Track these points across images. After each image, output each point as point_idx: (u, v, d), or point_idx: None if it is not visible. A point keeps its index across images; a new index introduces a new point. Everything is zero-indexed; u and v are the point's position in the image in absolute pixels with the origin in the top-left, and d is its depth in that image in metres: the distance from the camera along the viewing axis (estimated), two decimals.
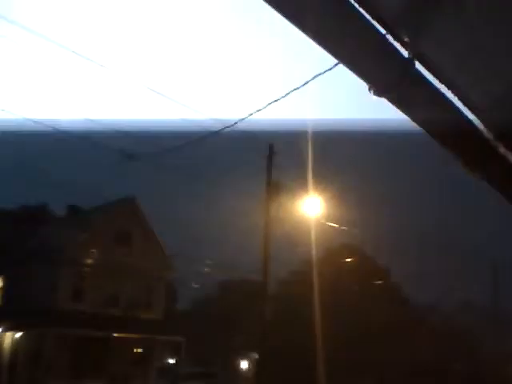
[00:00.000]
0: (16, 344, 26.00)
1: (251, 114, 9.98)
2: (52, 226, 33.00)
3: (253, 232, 20.94)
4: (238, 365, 39.25)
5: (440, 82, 2.11)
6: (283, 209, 17.61)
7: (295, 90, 8.24)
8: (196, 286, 34.29)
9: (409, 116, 2.15)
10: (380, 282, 33.10)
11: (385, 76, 2.02)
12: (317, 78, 7.24)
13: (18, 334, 25.95)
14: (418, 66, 2.01)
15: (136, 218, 30.34)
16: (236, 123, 10.95)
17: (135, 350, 28.47)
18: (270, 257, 17.78)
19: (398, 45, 1.99)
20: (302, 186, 16.97)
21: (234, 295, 41.98)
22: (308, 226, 17.86)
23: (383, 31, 1.96)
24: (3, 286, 30.04)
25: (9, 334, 26.24)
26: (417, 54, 1.97)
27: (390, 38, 1.96)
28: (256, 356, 21.87)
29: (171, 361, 34.11)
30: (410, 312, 35.30)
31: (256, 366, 22.44)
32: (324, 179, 17.95)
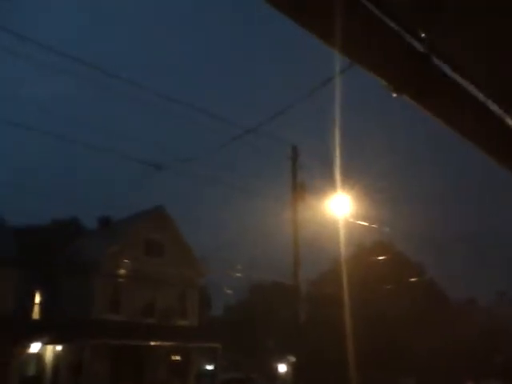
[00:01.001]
0: (57, 357, 26.55)
1: (272, 117, 10.03)
2: (85, 238, 33.67)
3: (282, 234, 20.92)
4: (276, 368, 39.20)
5: (459, 74, 2.10)
6: (311, 209, 17.57)
7: (315, 90, 8.25)
8: (229, 291, 34.41)
9: (429, 112, 2.14)
10: (415, 278, 32.63)
11: (402, 73, 2.03)
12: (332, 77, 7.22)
13: (59, 347, 26.48)
14: (435, 60, 2.02)
15: (166, 227, 30.68)
16: (258, 127, 11.01)
17: (173, 358, 28.72)
18: (300, 258, 17.75)
19: (413, 40, 2.01)
20: (329, 185, 16.90)
21: (266, 299, 42.02)
22: (337, 226, 17.75)
23: (397, 28, 1.97)
24: (41, 300, 30.72)
25: (50, 348, 26.79)
26: (433, 49, 1.97)
27: (404, 34, 1.98)
28: (293, 359, 21.82)
29: (209, 367, 34.33)
30: (448, 307, 34.70)
31: (293, 368, 22.39)
32: (351, 178, 17.81)
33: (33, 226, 35.09)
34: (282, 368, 38.77)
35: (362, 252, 34.60)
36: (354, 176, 17.57)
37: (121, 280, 27.97)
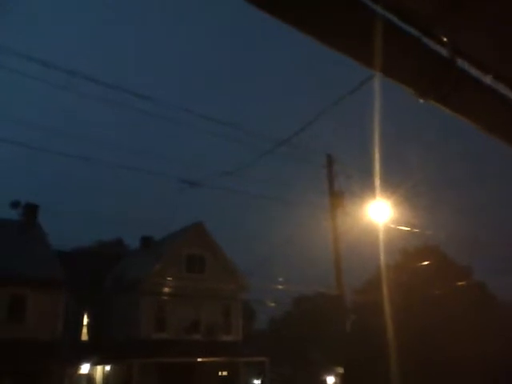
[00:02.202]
0: (107, 377, 27.00)
1: (303, 128, 10.02)
2: (129, 259, 34.31)
3: (323, 244, 20.74)
4: (324, 380, 38.61)
5: (486, 74, 2.05)
6: (350, 217, 17.37)
7: (342, 98, 8.20)
8: (272, 304, 34.25)
9: (458, 114, 2.10)
10: (463, 282, 31.69)
11: (427, 79, 2.00)
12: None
13: (108, 367, 26.93)
14: (459, 62, 1.98)
15: (206, 242, 30.90)
16: (290, 138, 11.02)
17: (220, 373, 28.71)
18: (342, 267, 17.53)
19: (436, 46, 1.98)
20: (367, 192, 16.68)
21: (310, 310, 41.63)
22: (378, 232, 17.46)
23: (419, 35, 1.95)
24: (89, 321, 31.39)
25: (99, 368, 27.28)
26: (457, 51, 1.94)
27: (426, 40, 1.95)
28: (341, 370, 21.45)
29: (257, 381, 34.18)
30: (498, 310, 33.48)
31: (342, 380, 22.00)
32: (391, 183, 17.53)
33: (79, 249, 36.12)
34: (330, 380, 38.16)
35: (407, 258, 33.90)
36: (394, 182, 17.31)
37: (165, 298, 28.27)
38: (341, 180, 17.39)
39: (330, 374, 37.89)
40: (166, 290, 28.38)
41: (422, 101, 2.12)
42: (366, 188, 16.55)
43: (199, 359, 26.64)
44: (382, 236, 16.49)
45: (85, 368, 25.71)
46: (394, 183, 17.42)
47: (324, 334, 36.20)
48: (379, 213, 16.67)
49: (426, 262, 30.59)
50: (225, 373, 28.73)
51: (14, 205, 27.68)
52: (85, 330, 30.93)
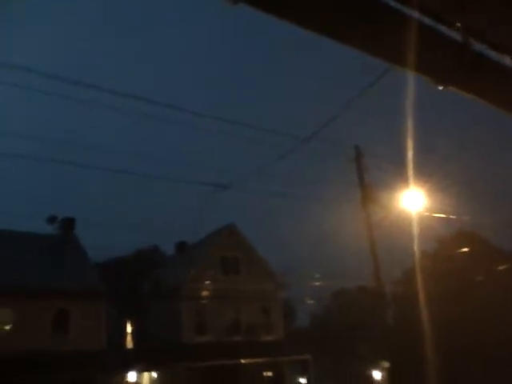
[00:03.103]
0: (154, 382, 27.38)
1: (327, 123, 9.94)
2: (166, 265, 34.76)
3: (357, 237, 20.53)
4: (370, 375, 38.17)
5: (504, 54, 1.99)
6: (384, 208, 17.13)
7: (365, 90, 8.10)
8: (310, 301, 34.11)
9: (477, 97, 2.05)
10: (504, 266, 30.81)
11: (443, 66, 1.96)
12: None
13: (154, 374, 27.31)
14: (473, 45, 1.93)
15: (239, 244, 31.03)
16: (314, 134, 10.95)
17: (265, 374, 28.75)
18: (379, 259, 17.33)
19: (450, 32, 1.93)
20: (400, 182, 16.42)
21: (350, 304, 41.26)
22: (413, 221, 17.17)
23: (433, 23, 1.92)
24: (132, 329, 31.94)
25: (146, 375, 27.69)
26: (471, 34, 1.88)
27: (440, 27, 1.91)
28: (387, 364, 21.18)
29: (302, 380, 34.03)
30: None
31: (388, 374, 21.74)
32: (423, 172, 17.19)
33: (117, 259, 36.77)
34: (377, 374, 37.70)
35: (444, 245, 33.22)
36: (426, 170, 16.98)
37: (203, 301, 28.50)
38: (371, 172, 17.19)
39: (375, 368, 37.45)
40: (204, 293, 28.61)
41: (440, 88, 2.08)
42: (398, 178, 16.30)
43: (243, 360, 26.73)
44: (416, 225, 16.21)
45: (132, 376, 26.14)
46: (426, 172, 17.10)
47: (366, 327, 35.82)
48: (413, 202, 16.39)
49: (464, 249, 29.92)
50: (269, 373, 28.74)
51: (51, 220, 28.39)
52: (128, 338, 31.48)
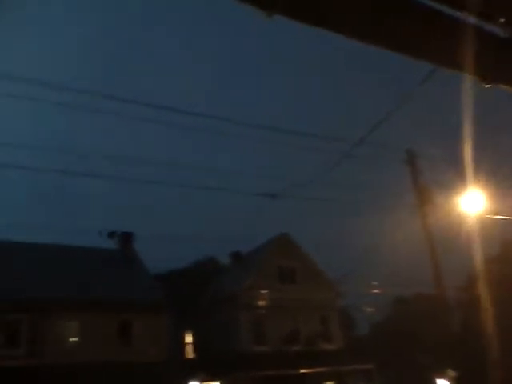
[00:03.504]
0: None
1: (376, 127, 9.78)
2: (222, 275, 35.12)
3: (415, 242, 19.98)
4: None
5: None
6: (441, 211, 16.60)
7: (411, 91, 7.92)
8: (370, 309, 33.44)
9: None
10: None
11: (489, 63, 1.90)
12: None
13: (216, 383, 27.52)
14: None
15: (293, 253, 30.95)
16: (363, 138, 10.80)
17: (326, 383, 28.38)
18: (440, 264, 16.77)
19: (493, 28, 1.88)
20: (456, 184, 15.87)
21: (411, 311, 40.13)
22: (473, 224, 16.52)
23: (476, 20, 1.87)
24: (192, 339, 32.41)
25: None
26: None
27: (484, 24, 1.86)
28: (453, 373, 20.39)
29: None
30: None
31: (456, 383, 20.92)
32: (482, 170, 16.52)
33: (174, 270, 37.54)
34: (442, 383, 36.36)
35: (508, 248, 31.80)
36: (486, 170, 16.32)
37: (261, 311, 28.54)
38: (427, 174, 16.71)
39: (440, 377, 36.16)
40: (261, 302, 28.65)
41: (487, 86, 2.02)
42: (456, 179, 15.76)
43: (303, 370, 26.52)
44: (477, 227, 15.59)
45: None
46: (486, 171, 16.43)
47: (429, 335, 34.70)
48: (473, 203, 15.78)
49: None
50: (331, 383, 28.34)
51: (111, 235, 29.50)
52: (188, 348, 31.94)
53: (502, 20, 1.82)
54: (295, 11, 1.87)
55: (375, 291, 27.08)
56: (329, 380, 28.23)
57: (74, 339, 22.76)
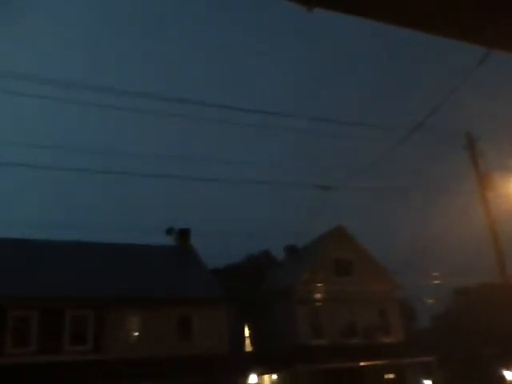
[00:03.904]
0: None
1: (433, 111, 9.47)
2: (277, 269, 35.22)
3: (476, 230, 19.27)
4: (502, 376, 35.53)
5: None
6: (504, 197, 15.91)
7: (470, 74, 7.60)
8: (430, 300, 32.59)
9: None
10: None
11: None
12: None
13: (274, 376, 27.72)
14: None
15: (349, 245, 30.59)
16: (422, 123, 10.48)
17: (386, 376, 27.96)
18: (503, 253, 16.09)
19: None
20: None
21: (473, 302, 38.82)
22: None
23: None
24: (250, 333, 32.73)
25: (266, 377, 28.19)
26: None
27: None
28: None
29: (427, 382, 32.59)
30: None
31: None
32: None
33: (230, 265, 38.02)
34: (510, 376, 34.98)
35: None
36: None
37: (318, 303, 28.41)
38: (488, 158, 16.03)
39: (508, 369, 34.84)
40: (318, 295, 28.52)
41: None
42: None
43: (362, 363, 26.24)
44: None
45: (253, 378, 26.76)
46: None
47: (494, 326, 33.47)
48: None
49: None
50: (391, 375, 27.90)
51: (169, 231, 30.27)
52: (247, 341, 32.29)
53: None
54: (331, 2, 1.90)
55: (436, 282, 26.36)
56: (388, 373, 27.81)
57: (136, 335, 23.48)
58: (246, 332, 32.82)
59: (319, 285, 28.55)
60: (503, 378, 35.23)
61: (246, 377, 25.66)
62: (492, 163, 15.82)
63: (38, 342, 21.46)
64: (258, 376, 27.24)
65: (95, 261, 26.07)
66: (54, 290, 22.57)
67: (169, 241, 30.44)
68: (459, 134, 16.19)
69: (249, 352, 31.54)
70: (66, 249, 26.78)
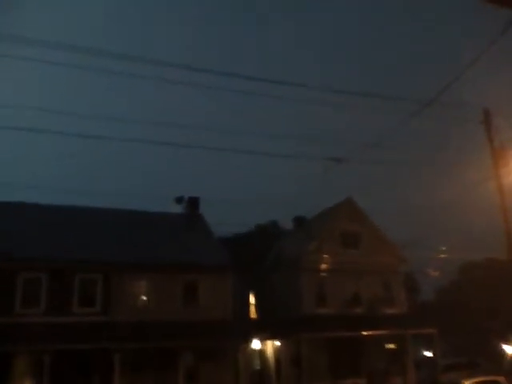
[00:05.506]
0: (277, 351, 28.28)
1: (449, 85, 9.26)
2: (285, 239, 35.38)
3: (486, 206, 19.14)
4: (501, 350, 35.95)
5: None
6: None
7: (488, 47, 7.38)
8: (435, 273, 32.74)
9: None
10: None
11: None
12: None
13: (278, 343, 28.17)
14: None
15: (357, 218, 30.60)
16: (436, 98, 10.28)
17: (387, 346, 28.37)
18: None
19: None
20: None
21: (479, 277, 38.98)
22: None
23: None
24: (255, 300, 33.14)
25: (269, 343, 28.67)
26: None
27: None
28: None
29: (427, 353, 33.03)
30: None
31: None
32: None
33: (238, 234, 38.26)
34: (509, 350, 35.39)
35: None
36: None
37: (324, 274, 28.62)
38: (504, 134, 15.72)
39: (507, 342, 35.24)
40: (324, 266, 28.71)
41: None
42: None
43: (364, 333, 26.58)
44: None
45: (256, 344, 27.24)
46: None
47: (497, 301, 33.69)
48: None
49: None
50: (392, 346, 28.29)
51: (179, 200, 30.39)
52: (252, 309, 32.74)
53: None
54: None
55: (442, 256, 26.38)
56: (390, 343, 28.19)
57: (143, 299, 23.84)
58: (252, 300, 33.23)
59: (325, 256, 28.70)
60: (503, 351, 35.63)
61: (249, 342, 26.09)
62: (508, 140, 15.55)
63: (47, 303, 21.86)
64: (261, 341, 27.70)
65: (105, 226, 26.32)
66: (63, 253, 22.87)
67: (179, 209, 30.60)
68: (476, 108, 15.89)
69: (253, 319, 32.01)
70: (77, 214, 27.03)
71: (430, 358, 31.49)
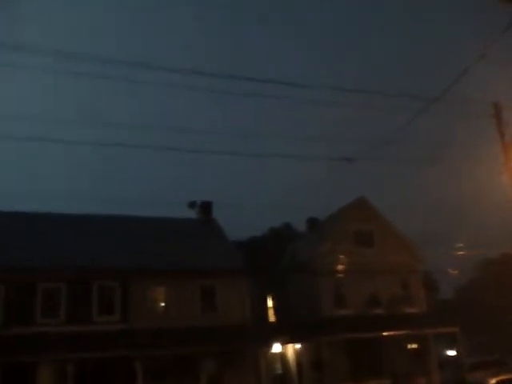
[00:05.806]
0: (298, 355, 28.18)
1: (457, 79, 9.24)
2: (299, 241, 35.32)
3: (502, 202, 18.94)
4: None
5: None
6: None
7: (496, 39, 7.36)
8: (454, 271, 32.40)
9: None
10: None
11: None
12: None
13: (298, 346, 28.08)
14: None
15: (371, 217, 30.39)
16: (443, 93, 10.25)
17: (409, 346, 28.14)
18: None
19: None
20: None
21: (498, 274, 38.49)
22: None
23: None
24: (273, 304, 33.11)
25: (290, 346, 28.60)
26: None
27: None
28: None
29: (451, 352, 32.64)
30: None
31: None
32: None
33: (252, 237, 38.33)
34: None
35: None
36: None
37: (340, 275, 28.48)
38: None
39: None
40: (340, 267, 28.57)
41: None
42: None
43: (385, 333, 26.40)
44: None
45: (276, 347, 27.19)
46: None
47: None
48: None
49: None
50: (414, 345, 28.05)
51: (192, 205, 30.49)
52: (270, 313, 32.69)
53: None
54: None
55: (460, 253, 26.12)
56: (412, 343, 27.95)
57: (161, 305, 23.98)
58: (269, 303, 33.19)
59: (340, 256, 28.57)
60: None
61: (270, 346, 26.07)
62: None
63: (67, 312, 22.11)
64: (282, 345, 27.65)
65: (121, 234, 26.55)
66: (81, 262, 23.12)
67: (192, 214, 30.71)
68: (485, 103, 15.77)
69: (272, 323, 31.97)
70: (94, 222, 27.31)
71: (453, 357, 31.13)
